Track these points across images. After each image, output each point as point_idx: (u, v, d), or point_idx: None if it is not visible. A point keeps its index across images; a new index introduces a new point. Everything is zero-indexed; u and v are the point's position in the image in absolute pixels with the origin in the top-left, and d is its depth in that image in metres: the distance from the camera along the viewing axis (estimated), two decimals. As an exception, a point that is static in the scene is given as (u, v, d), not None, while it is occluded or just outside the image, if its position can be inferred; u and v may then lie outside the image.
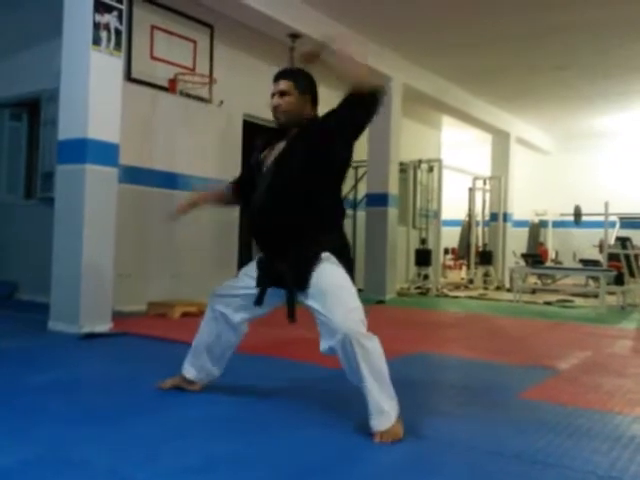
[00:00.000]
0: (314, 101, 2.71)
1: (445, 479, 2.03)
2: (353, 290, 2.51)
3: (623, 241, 9.17)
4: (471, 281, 11.05)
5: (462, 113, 10.38)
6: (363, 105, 2.47)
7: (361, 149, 7.86)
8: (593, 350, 4.70)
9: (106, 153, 4.74)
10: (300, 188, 2.57)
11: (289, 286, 2.55)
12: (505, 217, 11.72)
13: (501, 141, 11.91)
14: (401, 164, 9.17)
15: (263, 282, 2.65)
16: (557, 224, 14.09)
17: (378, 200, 8.34)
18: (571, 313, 7.42)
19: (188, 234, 6.42)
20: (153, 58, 6.23)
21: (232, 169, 6.74)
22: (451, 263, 12.88)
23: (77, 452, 2.11)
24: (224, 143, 7.08)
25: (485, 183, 11.85)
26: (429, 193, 10.86)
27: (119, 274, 5.44)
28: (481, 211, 11.81)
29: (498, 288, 10.75)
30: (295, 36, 6.74)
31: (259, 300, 2.65)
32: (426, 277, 9.58)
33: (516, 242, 12.36)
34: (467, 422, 2.65)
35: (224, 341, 2.82)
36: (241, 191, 2.93)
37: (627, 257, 8.89)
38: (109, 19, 4.70)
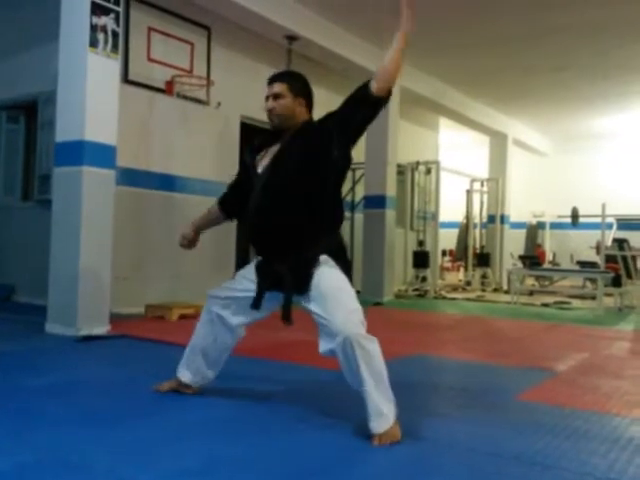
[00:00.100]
0: (309, 104, 2.71)
1: (444, 481, 2.03)
2: (352, 292, 2.51)
3: (620, 243, 9.18)
4: (469, 283, 11.05)
5: (459, 115, 10.41)
6: (370, 102, 2.49)
7: (359, 151, 7.86)
8: (591, 352, 4.70)
9: (103, 155, 4.74)
10: (297, 189, 2.56)
11: (287, 289, 2.55)
12: (502, 219, 11.73)
13: (498, 143, 11.93)
14: (399, 166, 9.17)
15: (262, 285, 2.64)
16: (554, 226, 14.11)
17: (376, 202, 8.35)
18: (568, 315, 7.43)
19: (186, 236, 6.40)
20: (150, 60, 6.23)
21: (229, 171, 6.73)
22: (449, 265, 12.90)
23: (76, 455, 2.11)
24: (221, 145, 7.07)
25: (482, 185, 11.86)
26: (427, 195, 10.87)
27: (116, 276, 5.43)
28: (479, 213, 11.81)
29: (496, 290, 10.75)
30: (292, 38, 6.76)
31: (256, 304, 2.64)
32: (424, 279, 9.58)
33: (514, 244, 12.37)
34: (466, 424, 2.65)
35: (220, 344, 2.81)
36: (230, 206, 2.94)
37: (624, 259, 8.90)
38: (106, 21, 4.70)
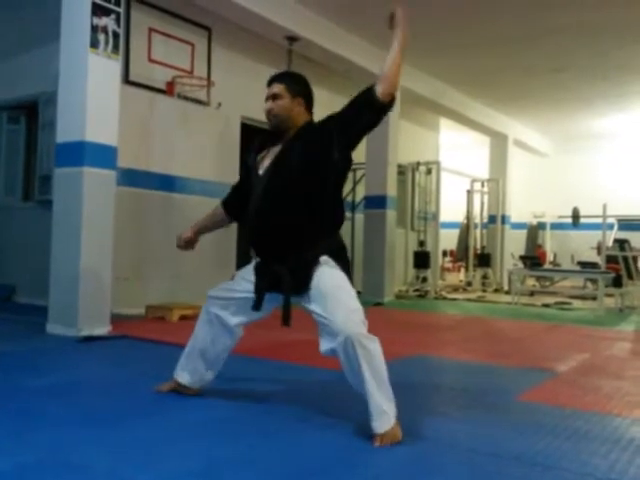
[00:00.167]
0: (308, 104, 2.71)
1: (445, 481, 2.03)
2: (352, 292, 2.51)
3: (621, 243, 9.18)
4: (469, 283, 11.05)
5: (460, 115, 10.41)
6: (375, 107, 2.49)
7: (359, 151, 7.85)
8: (591, 352, 4.70)
9: (104, 156, 4.74)
10: (298, 190, 2.56)
11: (286, 291, 2.54)
12: (503, 219, 11.73)
13: (499, 143, 11.93)
14: (399, 166, 9.17)
15: (261, 287, 2.63)
16: (555, 226, 14.10)
17: (376, 202, 8.35)
18: (569, 315, 7.42)
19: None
20: (151, 61, 6.24)
21: (230, 171, 6.77)
22: (449, 265, 12.89)
23: (77, 455, 2.11)
24: (222, 145, 7.08)
25: (483, 185, 11.86)
26: (427, 195, 10.88)
27: (117, 277, 5.43)
28: (479, 213, 11.82)
29: (496, 290, 10.75)
30: (292, 38, 6.76)
31: (257, 305, 2.64)
32: (424, 279, 9.59)
33: (514, 244, 12.37)
34: (466, 424, 2.65)
35: (218, 345, 2.80)
36: (234, 208, 2.94)
37: (625, 259, 8.90)
38: (107, 22, 4.71)
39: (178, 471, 1.99)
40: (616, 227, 12.38)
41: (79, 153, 4.63)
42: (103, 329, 4.70)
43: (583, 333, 5.82)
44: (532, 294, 9.78)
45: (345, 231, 8.59)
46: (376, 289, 8.22)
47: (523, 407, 2.99)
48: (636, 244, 10.12)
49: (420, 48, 7.75)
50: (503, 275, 11.29)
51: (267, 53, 7.26)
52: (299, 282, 2.50)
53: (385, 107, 2.51)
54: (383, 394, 2.35)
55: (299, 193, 2.56)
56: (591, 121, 11.91)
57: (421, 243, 10.42)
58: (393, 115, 8.24)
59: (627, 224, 12.34)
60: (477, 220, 11.80)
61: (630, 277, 8.86)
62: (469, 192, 11.54)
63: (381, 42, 7.43)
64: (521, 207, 13.26)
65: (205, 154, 6.85)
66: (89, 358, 3.96)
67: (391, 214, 8.42)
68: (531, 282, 10.85)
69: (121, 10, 4.86)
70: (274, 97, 2.65)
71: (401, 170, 9.73)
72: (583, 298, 9.25)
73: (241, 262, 6.78)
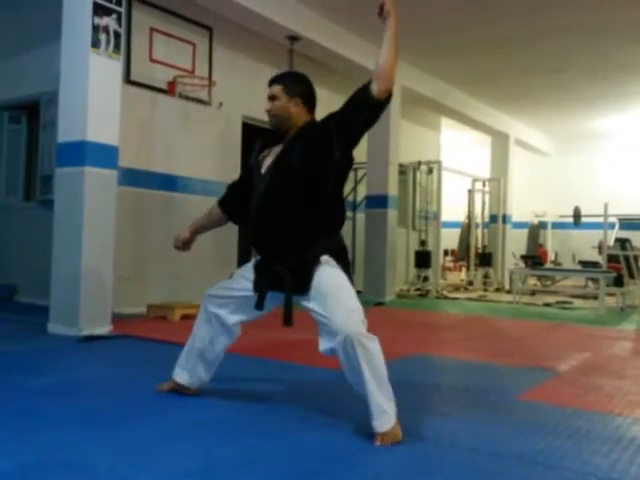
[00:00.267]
0: (307, 103, 2.70)
1: (445, 481, 2.03)
2: (352, 292, 2.51)
3: (622, 242, 9.17)
4: (471, 283, 11.05)
5: (461, 115, 10.40)
6: (371, 105, 2.48)
7: (360, 151, 7.86)
8: (593, 351, 4.70)
9: (105, 155, 4.74)
10: (299, 189, 2.56)
11: (287, 290, 2.55)
12: (504, 219, 11.73)
13: (500, 143, 11.92)
14: (400, 166, 9.17)
15: (261, 286, 2.63)
16: (556, 225, 14.10)
17: (378, 202, 8.35)
18: (570, 314, 7.42)
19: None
20: (152, 61, 6.24)
21: (231, 171, 6.76)
22: (451, 265, 12.88)
23: (78, 455, 2.11)
24: (223, 145, 7.08)
25: (484, 185, 11.86)
26: (428, 195, 10.87)
27: (118, 276, 5.44)
28: (480, 213, 11.82)
29: (498, 290, 10.75)
30: (294, 38, 6.76)
31: (259, 304, 2.64)
32: (426, 279, 9.58)
33: (515, 243, 12.37)
34: (467, 423, 2.65)
35: (217, 345, 2.80)
36: (232, 207, 2.93)
37: (626, 258, 8.89)
38: (108, 22, 4.71)
39: (178, 471, 2.00)
40: (617, 226, 12.37)
41: (80, 153, 4.64)
42: (104, 329, 4.70)
43: (584, 332, 5.82)
44: (533, 293, 9.77)
45: (346, 231, 8.60)
46: (377, 288, 8.22)
47: (524, 406, 2.99)
48: (637, 243, 10.10)
49: (422, 49, 7.77)
50: (504, 274, 11.29)
51: (268, 53, 7.27)
52: (300, 282, 2.50)
53: (382, 104, 2.50)
54: (383, 393, 2.35)
55: (300, 193, 2.56)
56: (592, 121, 11.91)
57: (422, 242, 10.41)
58: (394, 115, 8.25)
59: (628, 223, 12.34)
60: (478, 219, 11.79)
61: (631, 276, 8.85)
62: (470, 191, 11.53)
63: (380, 41, 7.44)
64: (522, 206, 13.25)
65: (206, 154, 6.85)
66: (90, 358, 3.96)
67: (392, 214, 8.42)
68: (532, 281, 10.85)
69: (122, 10, 4.86)
70: (272, 98, 2.68)
71: (402, 170, 9.73)
72: (584, 297, 9.25)
73: (242, 262, 6.78)
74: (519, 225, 13.07)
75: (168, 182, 6.40)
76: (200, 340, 2.82)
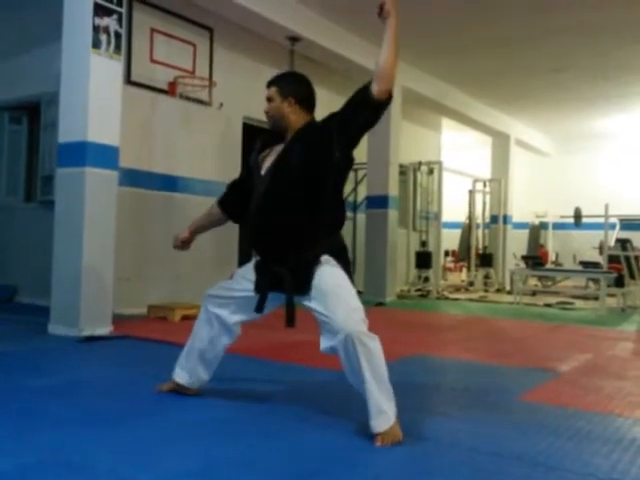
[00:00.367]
0: (302, 103, 2.69)
1: (446, 481, 2.03)
2: (353, 291, 2.51)
3: (623, 243, 9.17)
4: (471, 283, 11.04)
5: (462, 115, 10.40)
6: (372, 105, 2.47)
7: (361, 151, 7.87)
8: (593, 352, 4.70)
9: (106, 156, 4.74)
10: (299, 190, 2.57)
11: (288, 290, 2.54)
12: (505, 219, 11.73)
13: (501, 143, 11.92)
14: (401, 166, 9.17)
15: (262, 287, 2.63)
16: (557, 226, 14.10)
17: (378, 202, 8.35)
18: (571, 315, 7.42)
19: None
20: (153, 61, 6.24)
21: (231, 172, 6.73)
22: (451, 265, 12.89)
23: (78, 455, 2.11)
24: (224, 146, 7.08)
25: (485, 185, 11.86)
26: (429, 195, 10.86)
27: (119, 277, 5.44)
28: (481, 213, 11.82)
29: (498, 290, 10.75)
30: (294, 39, 6.76)
31: (260, 306, 2.63)
32: (426, 279, 9.58)
33: (516, 244, 12.36)
34: (468, 424, 2.65)
35: (218, 345, 2.80)
36: (231, 206, 2.94)
37: (627, 259, 8.89)
38: (109, 22, 4.71)
39: (178, 471, 2.00)
40: (618, 227, 12.36)
41: (81, 153, 4.64)
42: (105, 329, 4.70)
43: (585, 333, 5.81)
44: (534, 294, 9.77)
45: (347, 231, 8.60)
46: (378, 289, 8.22)
47: (525, 407, 2.99)
48: (638, 244, 10.11)
49: (422, 49, 7.76)
50: (505, 275, 11.28)
51: (269, 53, 7.27)
52: (300, 282, 2.50)
53: (382, 105, 2.50)
54: (383, 393, 2.35)
55: (300, 193, 2.56)
56: (592, 121, 11.91)
57: (423, 243, 10.41)
58: (395, 115, 8.25)
59: (629, 224, 12.33)
60: (479, 220, 11.79)
61: (632, 277, 8.85)
62: (471, 192, 11.53)
63: (380, 41, 7.44)
64: (523, 207, 13.25)
65: (207, 154, 6.85)
66: (91, 358, 3.96)
67: (393, 214, 8.42)
68: (533, 282, 10.84)
69: (123, 10, 4.86)
70: (268, 100, 2.72)
71: (403, 170, 9.73)
72: (585, 298, 9.24)
73: (243, 262, 6.77)
74: (520, 226, 13.07)
75: (169, 182, 6.40)
76: (200, 340, 2.82)
